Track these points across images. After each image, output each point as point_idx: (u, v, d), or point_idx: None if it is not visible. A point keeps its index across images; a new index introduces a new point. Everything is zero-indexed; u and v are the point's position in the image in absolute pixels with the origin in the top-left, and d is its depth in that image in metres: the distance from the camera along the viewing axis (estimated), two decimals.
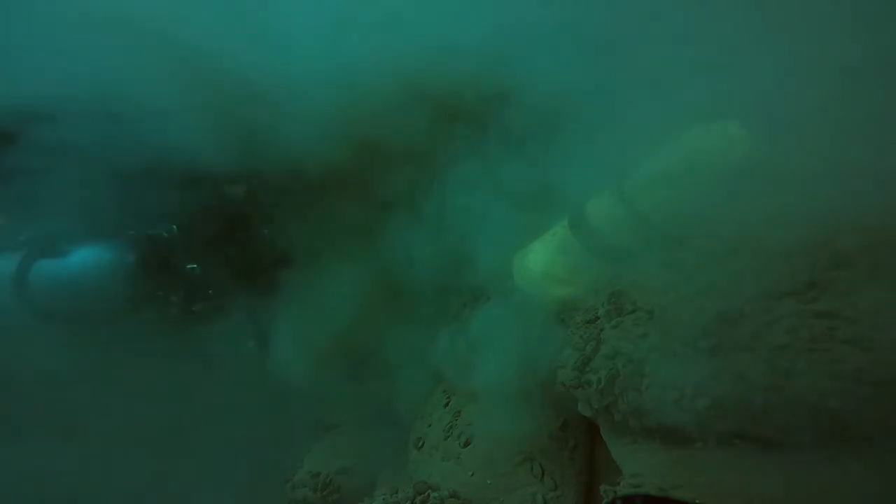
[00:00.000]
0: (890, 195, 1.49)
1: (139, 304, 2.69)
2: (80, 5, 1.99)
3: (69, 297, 2.51)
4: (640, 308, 1.68)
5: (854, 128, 1.55)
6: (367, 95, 2.21)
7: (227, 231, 2.85)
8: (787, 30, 1.65)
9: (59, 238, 2.52)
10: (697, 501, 1.64)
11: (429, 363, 2.21)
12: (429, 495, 1.64)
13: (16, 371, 2.41)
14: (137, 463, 2.54)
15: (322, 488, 2.01)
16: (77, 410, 2.55)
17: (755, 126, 1.59)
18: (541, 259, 1.88)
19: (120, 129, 2.18)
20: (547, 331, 1.83)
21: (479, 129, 2.36)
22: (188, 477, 2.45)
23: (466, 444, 1.70)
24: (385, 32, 2.17)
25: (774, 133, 1.60)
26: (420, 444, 1.93)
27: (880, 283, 1.48)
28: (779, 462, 1.75)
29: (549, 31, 2.15)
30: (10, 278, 2.39)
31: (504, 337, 1.90)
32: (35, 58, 2.05)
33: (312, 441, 2.34)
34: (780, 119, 1.60)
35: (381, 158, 2.46)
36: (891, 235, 1.49)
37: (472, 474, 1.68)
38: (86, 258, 2.55)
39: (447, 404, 2.05)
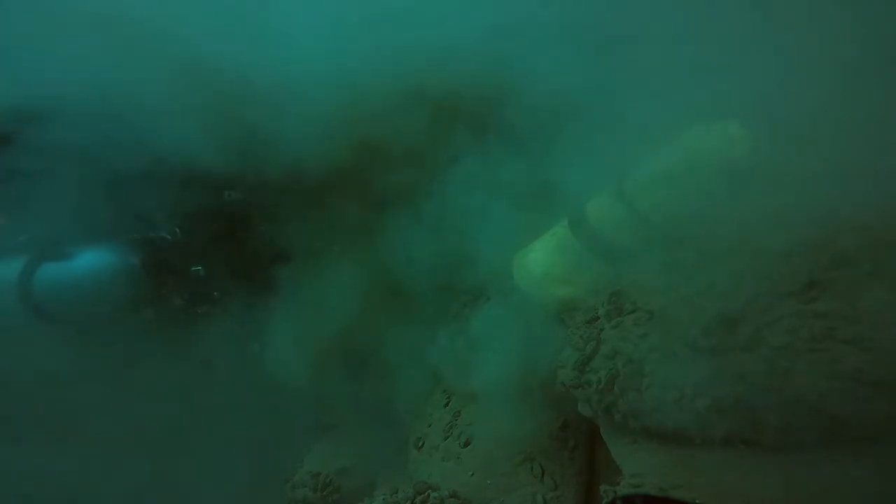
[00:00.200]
0: (890, 195, 1.49)
1: (143, 306, 2.70)
2: (78, 4, 1.99)
3: (73, 301, 2.52)
4: (640, 308, 1.68)
5: (854, 127, 1.55)
6: (367, 95, 2.21)
7: (227, 232, 2.85)
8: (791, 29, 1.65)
9: (62, 241, 2.53)
10: (697, 501, 1.64)
11: (428, 363, 2.21)
12: (429, 495, 1.64)
13: (21, 373, 2.41)
14: (140, 463, 2.54)
15: (322, 488, 2.01)
16: (82, 412, 2.56)
17: (755, 126, 1.59)
18: (541, 259, 1.88)
19: (119, 130, 2.18)
20: (547, 331, 1.83)
21: (478, 129, 2.36)
22: (190, 477, 2.45)
23: (466, 444, 1.70)
24: (384, 31, 2.17)
25: (774, 133, 1.60)
26: (420, 444, 1.93)
27: (880, 283, 1.48)
28: (779, 462, 1.75)
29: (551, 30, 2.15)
30: (15, 282, 2.40)
31: (504, 337, 1.90)
32: (33, 58, 2.05)
33: (312, 441, 2.34)
34: (781, 118, 1.60)
35: (381, 158, 2.46)
36: (891, 235, 1.49)
37: (472, 474, 1.68)
38: (89, 261, 2.56)
39: (447, 404, 2.05)
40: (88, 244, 2.53)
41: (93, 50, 2.01)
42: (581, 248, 1.84)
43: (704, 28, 1.80)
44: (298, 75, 2.10)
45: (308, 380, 2.43)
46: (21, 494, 2.41)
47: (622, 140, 1.81)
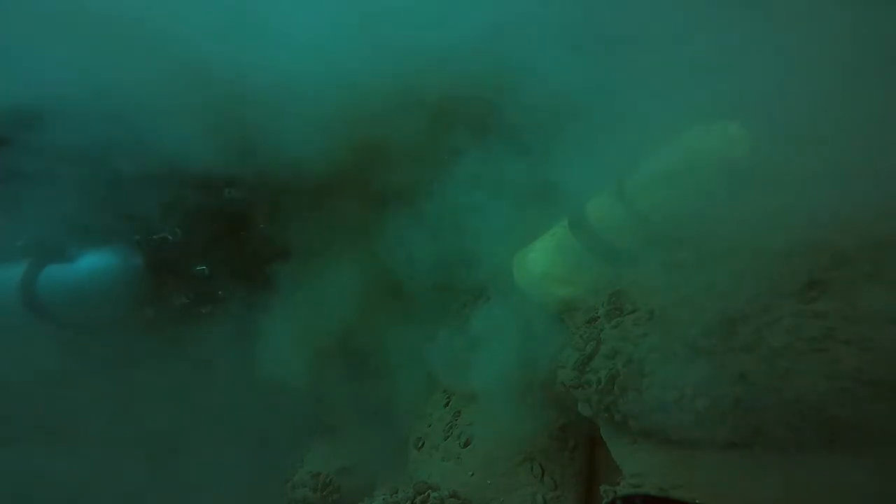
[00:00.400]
0: (890, 195, 1.49)
1: (146, 306, 2.70)
2: (75, 3, 1.99)
3: (76, 302, 2.53)
4: (640, 308, 1.68)
5: (854, 127, 1.55)
6: (366, 95, 2.21)
7: (228, 231, 2.85)
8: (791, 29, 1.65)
9: (64, 243, 2.53)
10: (697, 501, 1.64)
11: (428, 363, 2.21)
12: (429, 495, 1.63)
13: (25, 375, 2.42)
14: (141, 464, 2.54)
15: (322, 488, 2.01)
16: (86, 413, 2.56)
17: (755, 125, 1.59)
18: (541, 259, 1.88)
19: (119, 130, 2.18)
20: (547, 331, 1.83)
21: (478, 128, 2.36)
22: (190, 477, 2.45)
23: (466, 444, 1.70)
24: (383, 31, 2.17)
25: (774, 133, 1.60)
26: (420, 444, 1.93)
27: (880, 283, 1.48)
28: (779, 462, 1.75)
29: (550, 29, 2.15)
30: (18, 284, 2.40)
31: (504, 337, 1.90)
32: (32, 58, 2.04)
33: (312, 441, 2.34)
34: (780, 118, 1.60)
35: (380, 158, 2.46)
36: (891, 235, 1.49)
37: (472, 474, 1.68)
38: (91, 263, 2.56)
39: (447, 404, 2.05)
40: (90, 246, 2.53)
41: (92, 50, 2.01)
42: (581, 248, 1.83)
43: (704, 27, 1.80)
44: (298, 75, 2.10)
45: (308, 380, 2.43)
46: (24, 495, 2.41)
47: (621, 139, 1.81)
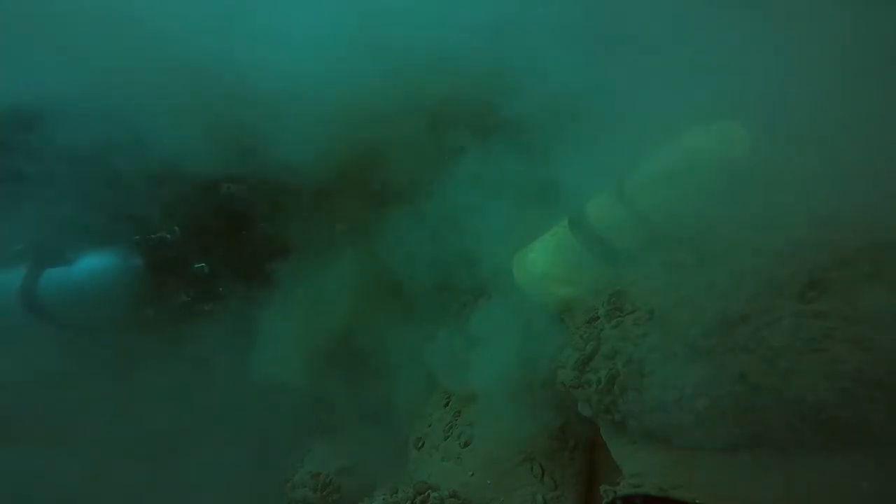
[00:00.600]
0: (890, 195, 1.49)
1: (147, 306, 2.71)
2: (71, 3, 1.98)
3: (78, 304, 2.53)
4: (640, 308, 1.68)
5: (855, 127, 1.55)
6: (366, 95, 2.21)
7: (227, 230, 2.85)
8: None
9: (63, 245, 2.53)
10: (697, 501, 1.64)
11: (428, 363, 2.21)
12: (429, 495, 1.63)
13: (29, 377, 2.42)
14: (142, 464, 2.54)
15: (322, 488, 2.00)
16: (89, 414, 2.56)
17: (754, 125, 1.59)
18: (541, 259, 1.88)
19: (117, 130, 2.18)
20: (547, 331, 1.83)
21: (478, 128, 2.36)
22: (190, 477, 2.45)
23: (466, 445, 1.70)
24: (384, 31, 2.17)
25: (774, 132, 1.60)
26: (420, 444, 1.93)
27: (880, 283, 1.48)
28: (779, 462, 1.75)
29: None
30: (19, 287, 2.41)
31: (504, 337, 1.90)
32: (29, 59, 2.04)
33: (312, 441, 2.34)
34: (780, 118, 1.60)
35: (380, 158, 2.46)
36: (891, 235, 1.49)
37: (472, 474, 1.68)
38: (91, 264, 2.56)
39: (447, 404, 2.05)
40: (89, 247, 2.53)
41: (88, 49, 2.01)
42: (581, 248, 1.83)
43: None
44: (298, 75, 2.10)
45: (308, 380, 2.43)
46: (24, 495, 2.41)
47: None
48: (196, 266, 2.91)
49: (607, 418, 1.86)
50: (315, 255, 2.67)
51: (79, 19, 2.00)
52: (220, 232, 2.79)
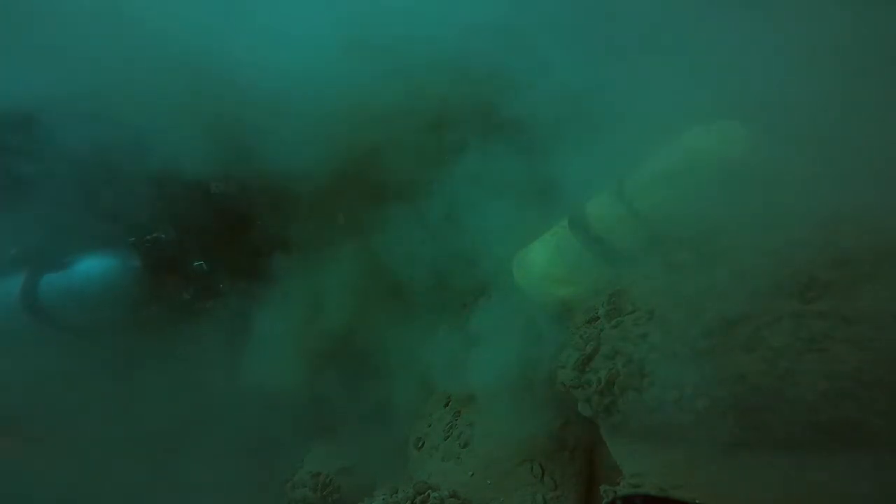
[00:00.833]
0: (890, 194, 1.49)
1: (146, 306, 2.71)
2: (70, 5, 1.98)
3: (77, 307, 2.54)
4: (640, 308, 1.68)
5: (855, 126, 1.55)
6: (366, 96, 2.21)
7: (224, 230, 2.86)
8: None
9: (61, 249, 2.54)
10: (697, 501, 1.64)
11: (429, 363, 2.21)
12: (429, 495, 1.63)
13: (27, 378, 2.42)
14: (142, 464, 2.54)
15: (322, 488, 2.00)
16: (90, 415, 2.56)
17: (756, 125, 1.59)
18: (541, 259, 1.88)
19: (112, 133, 2.18)
20: (547, 331, 1.83)
21: (478, 129, 2.36)
22: (190, 477, 2.45)
23: (466, 445, 1.70)
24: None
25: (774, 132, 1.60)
26: (420, 444, 1.93)
27: (881, 283, 1.48)
28: (779, 462, 1.75)
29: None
30: (19, 291, 2.41)
31: (504, 337, 1.90)
32: (26, 60, 2.03)
33: (312, 441, 2.34)
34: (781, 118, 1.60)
35: (380, 158, 2.46)
36: (891, 235, 1.49)
37: (472, 474, 1.68)
38: (89, 267, 2.57)
39: (447, 404, 2.05)
40: (87, 250, 2.54)
41: (85, 50, 2.01)
42: (581, 248, 1.83)
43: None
44: (297, 76, 2.10)
45: (308, 380, 2.43)
46: (24, 495, 2.41)
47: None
48: (194, 265, 2.91)
49: (607, 418, 1.86)
50: (314, 254, 2.67)
51: (76, 19, 2.00)
52: (218, 232, 2.80)
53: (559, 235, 1.87)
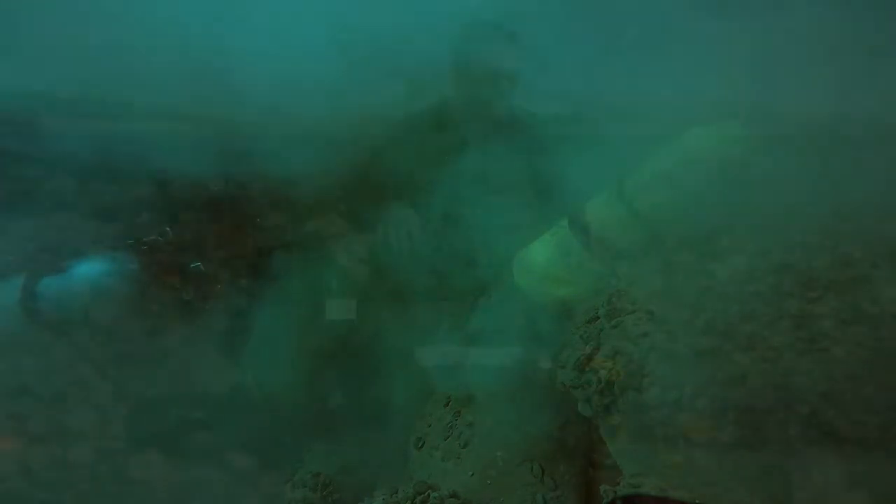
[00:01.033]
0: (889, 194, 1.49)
1: (145, 308, 2.72)
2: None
3: (76, 309, 2.54)
4: (640, 308, 1.68)
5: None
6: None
7: (225, 228, 2.86)
8: None
9: (58, 253, 2.54)
10: (697, 501, 1.65)
11: (426, 363, 2.21)
12: (429, 495, 1.64)
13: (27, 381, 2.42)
14: (141, 464, 2.54)
15: (322, 488, 2.00)
16: (87, 415, 2.56)
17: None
18: (541, 259, 1.88)
19: (109, 136, 2.17)
20: (547, 331, 1.83)
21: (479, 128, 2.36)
22: (190, 477, 2.45)
23: (466, 445, 1.70)
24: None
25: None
26: (420, 444, 1.93)
27: (881, 283, 1.48)
28: (778, 462, 1.75)
29: None
30: (18, 296, 2.41)
31: (503, 337, 1.90)
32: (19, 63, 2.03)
33: (312, 441, 2.34)
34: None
35: (381, 158, 2.46)
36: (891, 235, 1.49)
37: (472, 474, 1.68)
38: (87, 270, 2.57)
39: (447, 404, 2.05)
40: (83, 254, 2.54)
41: (85, 50, 2.00)
42: (581, 248, 1.84)
43: None
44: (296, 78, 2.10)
45: (307, 379, 2.43)
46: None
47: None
48: (193, 266, 2.91)
49: (607, 418, 1.86)
50: (313, 252, 2.67)
51: (65, 19, 1.99)
52: (218, 232, 2.80)
53: (559, 235, 1.87)
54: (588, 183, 1.72)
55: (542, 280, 1.82)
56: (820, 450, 1.66)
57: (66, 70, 2.03)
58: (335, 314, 2.51)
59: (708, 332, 1.57)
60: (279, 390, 2.38)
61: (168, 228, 2.61)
